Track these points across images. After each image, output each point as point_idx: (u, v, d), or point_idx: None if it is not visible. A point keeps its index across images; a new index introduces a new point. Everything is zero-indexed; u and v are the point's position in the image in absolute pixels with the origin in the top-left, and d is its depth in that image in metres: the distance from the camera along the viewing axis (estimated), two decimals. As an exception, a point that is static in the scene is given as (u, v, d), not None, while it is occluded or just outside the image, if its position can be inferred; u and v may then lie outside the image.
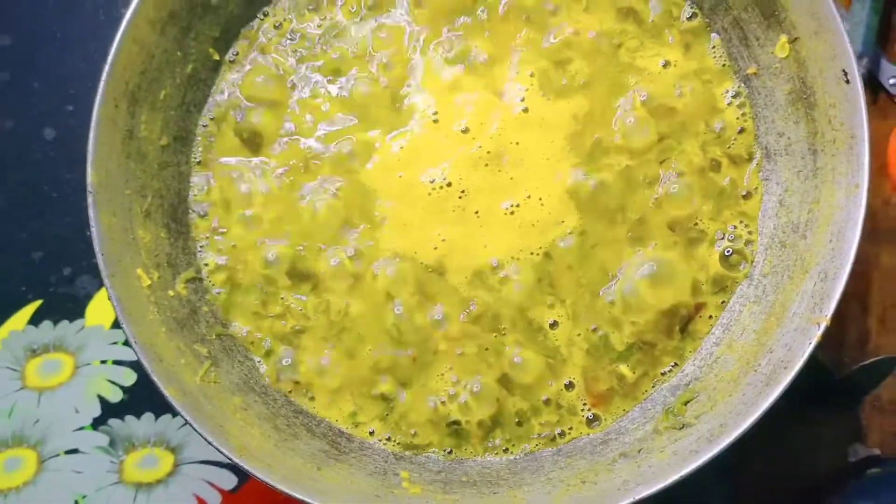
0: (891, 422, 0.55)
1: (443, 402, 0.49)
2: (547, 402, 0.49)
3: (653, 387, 0.49)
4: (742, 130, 0.50)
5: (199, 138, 0.52)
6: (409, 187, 0.50)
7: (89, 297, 0.59)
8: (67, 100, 0.61)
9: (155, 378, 0.43)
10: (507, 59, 0.51)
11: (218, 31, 0.52)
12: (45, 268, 0.59)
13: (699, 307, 0.50)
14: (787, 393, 0.42)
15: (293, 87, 0.52)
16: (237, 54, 0.53)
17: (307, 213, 0.51)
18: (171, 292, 0.49)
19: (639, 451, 0.45)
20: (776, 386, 0.42)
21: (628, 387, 0.49)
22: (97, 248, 0.44)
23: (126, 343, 0.58)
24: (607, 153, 0.50)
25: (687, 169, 0.50)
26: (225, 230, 0.51)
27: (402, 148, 0.51)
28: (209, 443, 0.42)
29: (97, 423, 0.57)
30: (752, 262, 0.49)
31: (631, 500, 0.41)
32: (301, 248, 0.51)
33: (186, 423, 0.56)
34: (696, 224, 0.50)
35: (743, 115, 0.50)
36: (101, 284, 0.59)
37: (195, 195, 0.52)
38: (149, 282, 0.47)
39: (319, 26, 0.53)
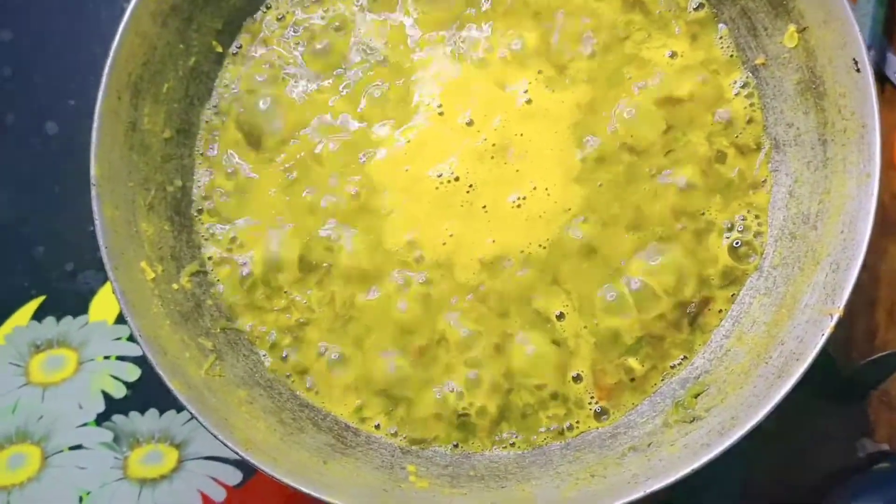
0: (899, 416, 0.55)
1: (449, 396, 0.49)
2: (554, 395, 0.49)
3: (662, 380, 0.49)
4: (750, 121, 0.50)
5: (203, 131, 0.52)
6: (416, 181, 0.50)
7: (93, 292, 0.59)
8: (69, 94, 0.60)
9: (160, 371, 0.43)
10: (510, 51, 0.51)
11: (220, 24, 0.51)
12: (48, 263, 0.59)
13: (708, 300, 0.49)
14: (795, 386, 0.41)
15: (296, 80, 0.52)
16: (240, 47, 0.52)
17: (312, 206, 0.50)
18: (175, 286, 0.48)
19: (648, 445, 0.45)
20: (788, 378, 0.41)
21: (637, 380, 0.49)
22: (101, 241, 0.44)
23: (130, 339, 0.58)
24: (612, 144, 0.50)
25: (693, 160, 0.49)
26: (229, 223, 0.51)
27: (408, 142, 0.50)
28: (215, 436, 0.42)
29: (101, 419, 0.57)
30: (762, 253, 0.49)
31: (641, 493, 0.41)
32: (306, 241, 0.50)
33: (191, 417, 0.55)
34: (704, 216, 0.49)
35: (751, 105, 0.50)
36: (104, 280, 0.59)
37: (199, 188, 0.51)
38: (153, 275, 0.47)
39: (322, 18, 0.52)
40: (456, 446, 0.49)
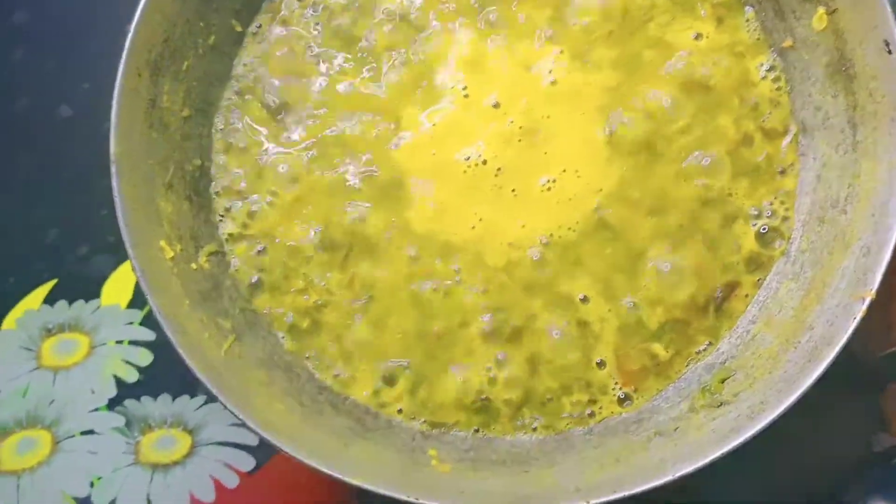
0: (917, 411, 0.54)
1: (471, 379, 0.48)
2: (577, 380, 0.48)
3: (686, 366, 0.48)
4: (777, 104, 0.49)
5: (223, 111, 0.51)
6: (444, 165, 0.49)
7: (105, 276, 0.58)
8: (83, 77, 0.60)
9: (181, 350, 0.42)
10: (534, 32, 0.50)
11: (239, 3, 0.51)
12: (61, 246, 0.58)
13: (734, 285, 0.49)
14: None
15: (317, 60, 0.51)
16: (260, 27, 0.52)
17: (334, 187, 0.50)
18: (193, 265, 0.48)
19: (675, 430, 0.44)
20: (820, 362, 0.41)
21: (661, 365, 0.48)
22: (120, 219, 0.43)
23: (142, 323, 0.57)
24: (638, 128, 0.49)
25: (720, 144, 0.49)
26: (247, 203, 0.50)
27: (433, 125, 0.50)
28: (236, 416, 0.41)
29: (113, 404, 0.56)
30: (789, 238, 0.48)
31: (671, 477, 0.40)
32: (327, 223, 0.50)
33: (205, 402, 0.55)
34: (731, 200, 0.49)
35: (777, 89, 0.49)
36: (116, 263, 0.58)
37: (217, 168, 0.51)
38: (172, 254, 0.46)
39: (343, -1, 0.52)
40: (477, 431, 0.48)
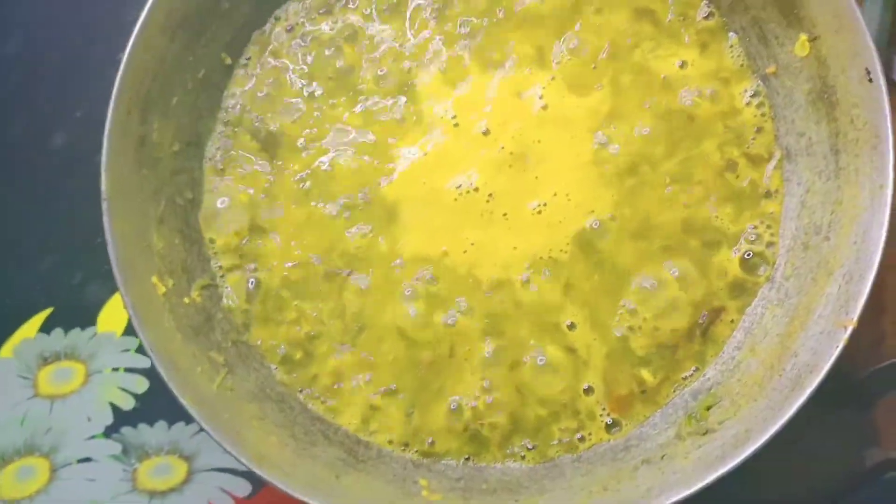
0: (908, 425, 0.55)
1: (461, 407, 0.49)
2: (566, 407, 0.48)
3: (674, 391, 0.49)
4: (761, 130, 0.50)
5: (213, 143, 0.51)
6: (435, 194, 0.50)
7: (100, 303, 0.58)
8: (76, 106, 0.60)
9: (172, 387, 0.43)
10: (524, 60, 0.51)
11: (229, 36, 0.51)
12: (56, 275, 0.59)
13: (720, 310, 0.49)
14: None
15: (307, 91, 0.52)
16: (249, 59, 0.52)
17: (329, 218, 0.50)
18: (186, 299, 0.48)
19: (662, 457, 0.45)
20: (803, 391, 0.41)
21: (649, 391, 0.48)
22: (112, 256, 0.44)
23: (138, 350, 0.58)
24: (626, 154, 0.50)
25: (705, 169, 0.49)
26: (239, 237, 0.51)
27: (424, 154, 0.50)
28: (227, 451, 0.42)
29: (109, 432, 0.57)
30: (774, 264, 0.49)
31: (657, 507, 0.40)
32: (320, 254, 0.50)
33: (202, 430, 0.56)
34: (716, 226, 0.49)
35: (762, 114, 0.50)
36: (112, 291, 0.58)
37: (209, 201, 0.51)
38: (164, 289, 0.47)
39: (332, 28, 0.52)
40: (468, 459, 0.49)
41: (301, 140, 0.51)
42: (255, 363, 0.49)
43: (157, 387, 0.58)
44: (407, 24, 0.52)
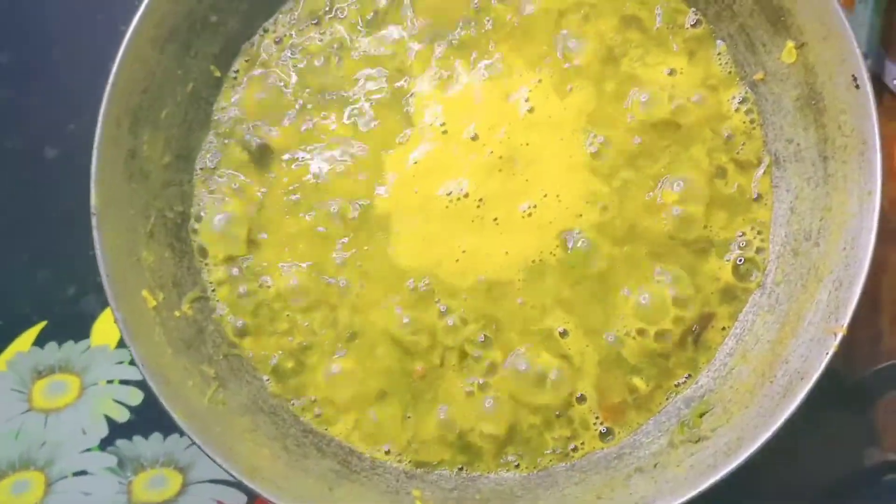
0: (906, 426, 0.55)
1: (454, 416, 0.49)
2: (559, 415, 0.48)
3: (667, 399, 0.49)
4: (749, 137, 0.50)
5: (203, 156, 0.52)
6: (426, 202, 0.50)
7: (94, 316, 0.59)
8: (68, 118, 0.60)
9: (164, 401, 0.43)
10: (511, 67, 0.51)
11: (218, 48, 0.51)
12: (49, 288, 0.59)
13: (710, 316, 0.49)
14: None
15: (296, 103, 0.52)
16: (238, 71, 0.52)
17: (320, 229, 0.50)
18: (177, 313, 0.48)
19: (654, 466, 0.45)
20: (793, 397, 0.41)
21: (642, 399, 0.48)
22: (102, 271, 0.44)
23: (132, 363, 0.58)
24: (614, 159, 0.50)
25: (694, 176, 0.49)
26: (230, 249, 0.51)
27: (414, 163, 0.50)
28: (219, 465, 0.42)
29: (105, 444, 0.57)
30: (764, 271, 0.49)
31: (649, 516, 0.40)
32: (312, 264, 0.50)
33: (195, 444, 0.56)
34: (706, 233, 0.49)
35: (750, 121, 0.50)
36: (105, 304, 0.58)
37: (198, 213, 0.51)
38: (154, 303, 0.47)
39: (320, 40, 0.52)
40: (461, 469, 0.49)
41: (292, 151, 0.51)
42: (246, 375, 0.49)
43: (152, 399, 0.57)
44: (395, 34, 0.52)
